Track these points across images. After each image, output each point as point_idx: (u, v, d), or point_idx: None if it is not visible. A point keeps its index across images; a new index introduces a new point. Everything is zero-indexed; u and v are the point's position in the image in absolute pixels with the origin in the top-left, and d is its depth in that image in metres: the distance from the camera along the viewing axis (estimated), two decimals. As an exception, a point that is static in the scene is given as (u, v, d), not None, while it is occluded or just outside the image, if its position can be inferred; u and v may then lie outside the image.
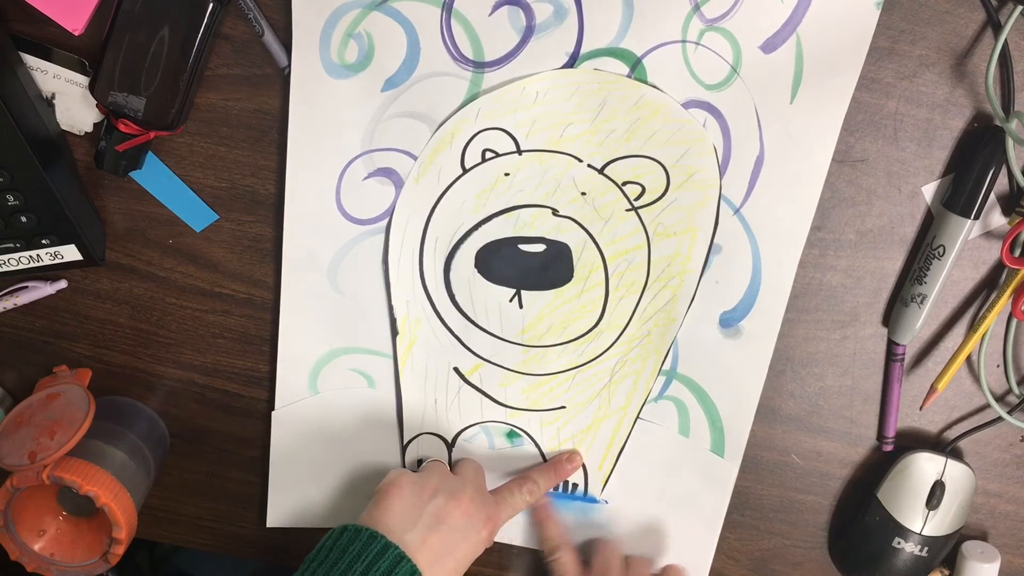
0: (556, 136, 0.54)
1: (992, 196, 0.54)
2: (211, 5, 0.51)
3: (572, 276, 0.57)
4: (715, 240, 0.56)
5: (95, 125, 0.56)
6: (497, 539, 0.61)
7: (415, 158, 0.55)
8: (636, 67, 0.52)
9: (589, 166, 0.55)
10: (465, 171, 0.55)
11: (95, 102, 0.53)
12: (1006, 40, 0.50)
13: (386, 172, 0.56)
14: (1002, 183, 0.54)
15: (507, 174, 0.55)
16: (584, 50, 0.52)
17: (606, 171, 0.54)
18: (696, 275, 0.57)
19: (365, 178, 0.56)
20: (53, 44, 0.54)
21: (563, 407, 0.61)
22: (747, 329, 0.58)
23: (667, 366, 0.59)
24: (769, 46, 0.51)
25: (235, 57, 0.54)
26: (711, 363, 0.59)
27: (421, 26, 0.52)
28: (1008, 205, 0.55)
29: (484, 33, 0.52)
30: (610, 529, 0.64)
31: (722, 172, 0.54)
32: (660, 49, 0.52)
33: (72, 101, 0.55)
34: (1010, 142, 0.52)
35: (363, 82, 0.54)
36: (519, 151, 0.54)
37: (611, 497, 0.63)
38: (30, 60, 0.54)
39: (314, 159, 0.56)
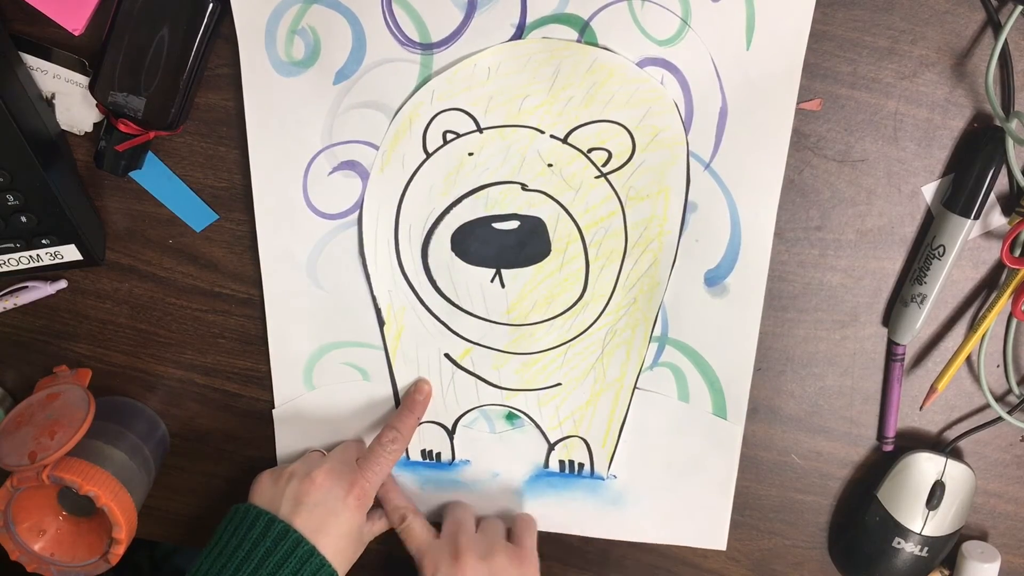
0: (514, 110, 0.54)
1: (992, 196, 0.54)
2: (211, 5, 0.51)
3: (550, 250, 0.57)
4: (689, 198, 0.55)
5: (95, 125, 0.56)
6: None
7: (377, 148, 0.55)
8: (585, 30, 0.52)
9: (552, 136, 0.54)
10: (428, 155, 0.55)
11: (95, 102, 0.53)
12: (1006, 40, 0.50)
13: (350, 165, 0.56)
14: (1002, 183, 0.54)
15: (471, 154, 0.55)
16: (530, 20, 0.52)
17: (570, 140, 0.54)
18: (675, 236, 0.56)
19: (330, 173, 0.56)
20: (53, 44, 0.54)
21: (559, 384, 0.61)
22: (733, 285, 0.57)
23: (658, 332, 0.59)
24: None
25: (235, 57, 0.54)
26: (702, 324, 0.58)
27: (363, 14, 0.52)
28: (1008, 205, 0.55)
29: (427, 14, 0.52)
30: (621, 504, 0.64)
31: (687, 128, 0.53)
32: (607, 9, 0.51)
33: (72, 101, 0.55)
34: (1010, 142, 0.52)
35: (314, 77, 0.53)
36: (480, 129, 0.54)
37: (618, 472, 0.63)
38: (30, 60, 0.54)
39: (277, 159, 0.56)
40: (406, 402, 0.61)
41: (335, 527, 0.56)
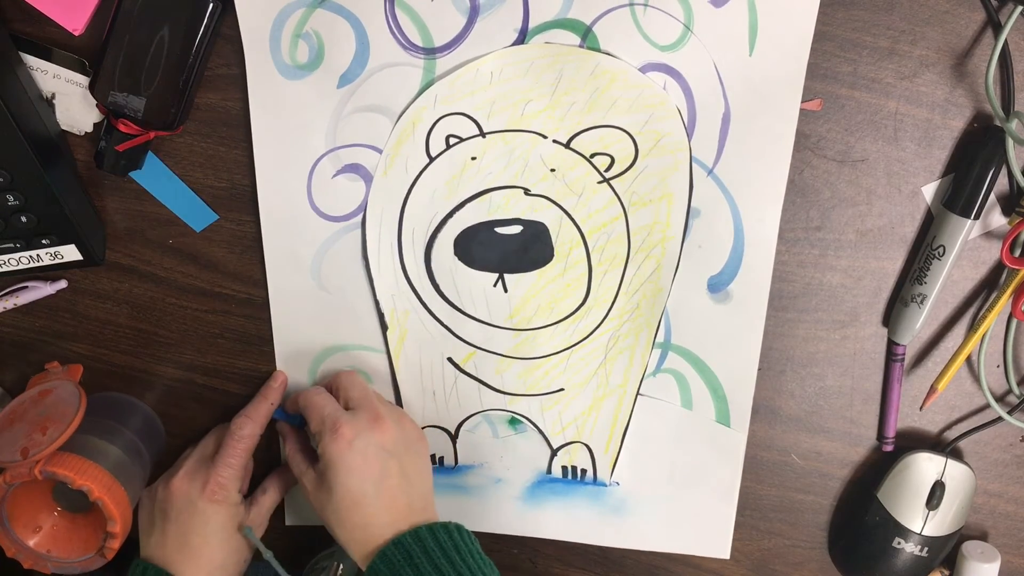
0: (517, 115, 0.54)
1: (992, 196, 0.54)
2: (211, 5, 0.51)
3: (553, 255, 0.57)
4: (692, 204, 0.55)
5: (95, 125, 0.56)
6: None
7: (380, 152, 0.55)
8: (587, 36, 0.52)
9: (555, 141, 0.54)
10: (431, 160, 0.55)
11: (95, 102, 0.54)
12: (1006, 40, 0.50)
13: (354, 168, 0.56)
14: (1002, 183, 0.54)
15: (474, 158, 0.55)
16: (532, 24, 0.52)
17: (572, 145, 0.54)
18: (678, 242, 0.56)
19: (334, 176, 0.56)
20: (53, 44, 0.54)
21: (561, 389, 0.61)
22: (736, 292, 0.57)
23: (661, 338, 0.59)
24: None
25: (235, 57, 0.54)
26: (705, 331, 0.58)
27: (367, 18, 0.52)
28: (1008, 205, 0.55)
29: (430, 18, 0.52)
30: (623, 512, 0.63)
31: (690, 134, 0.54)
32: (609, 15, 0.51)
33: (72, 101, 0.55)
34: (1010, 142, 0.52)
35: (318, 81, 0.54)
36: (482, 134, 0.54)
37: (621, 479, 0.63)
38: (30, 60, 0.54)
39: (281, 161, 0.56)
40: (261, 390, 0.61)
41: (200, 530, 0.56)
